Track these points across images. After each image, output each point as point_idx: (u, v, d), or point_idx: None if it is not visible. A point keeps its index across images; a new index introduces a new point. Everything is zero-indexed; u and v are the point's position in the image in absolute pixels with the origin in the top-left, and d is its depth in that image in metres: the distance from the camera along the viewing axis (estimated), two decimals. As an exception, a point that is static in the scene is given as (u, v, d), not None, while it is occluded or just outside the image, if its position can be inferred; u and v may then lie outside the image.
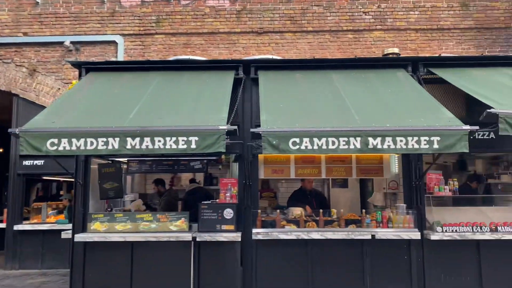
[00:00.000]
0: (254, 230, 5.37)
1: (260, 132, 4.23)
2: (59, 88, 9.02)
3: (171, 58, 7.00)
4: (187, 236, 5.32)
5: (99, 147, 4.27)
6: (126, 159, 6.36)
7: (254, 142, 4.90)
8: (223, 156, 6.45)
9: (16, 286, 7.30)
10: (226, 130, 4.28)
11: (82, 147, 4.27)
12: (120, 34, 9.05)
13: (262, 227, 5.49)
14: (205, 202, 5.70)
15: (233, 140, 4.98)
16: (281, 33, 9.05)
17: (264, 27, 9.06)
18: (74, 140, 4.27)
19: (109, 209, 6.35)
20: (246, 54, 8.95)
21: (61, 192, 11.19)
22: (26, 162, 9.07)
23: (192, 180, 8.95)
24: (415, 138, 4.17)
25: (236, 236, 5.30)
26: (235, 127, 4.42)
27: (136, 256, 5.45)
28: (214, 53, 9.05)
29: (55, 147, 4.28)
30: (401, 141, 4.16)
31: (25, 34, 9.15)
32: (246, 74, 5.74)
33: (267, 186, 8.58)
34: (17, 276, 8.12)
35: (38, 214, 9.65)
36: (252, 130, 4.38)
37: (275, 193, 8.50)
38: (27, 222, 9.13)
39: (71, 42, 8.98)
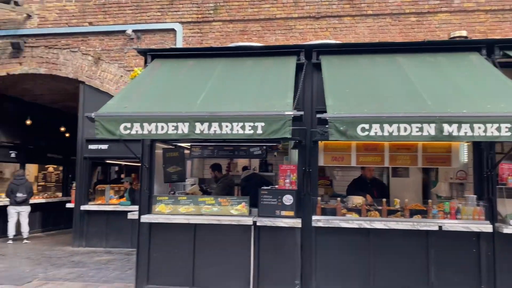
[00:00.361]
0: (314, 217, 5.33)
1: (327, 118, 4.16)
2: (122, 76, 9.39)
3: (230, 44, 7.03)
4: (248, 220, 5.38)
5: (169, 132, 4.40)
6: (189, 144, 6.52)
7: (319, 128, 4.83)
8: (281, 143, 6.44)
9: (86, 262, 7.78)
10: (292, 116, 4.26)
11: (153, 131, 4.42)
12: (179, 22, 9.23)
13: (322, 214, 5.44)
14: (265, 187, 5.73)
15: (294, 126, 4.94)
16: (339, 17, 8.83)
17: (322, 11, 8.87)
18: (145, 125, 4.43)
19: (172, 192, 6.56)
20: (303, 40, 8.83)
21: (122, 176, 11.71)
22: (92, 146, 9.57)
23: (245, 168, 9.05)
24: (495, 125, 3.91)
25: (296, 222, 5.29)
26: (301, 112, 4.38)
27: (198, 237, 5.59)
28: (271, 39, 9.00)
29: (128, 131, 4.47)
30: (479, 128, 3.93)
31: (90, 23, 9.58)
32: (307, 59, 5.65)
33: (322, 174, 8.48)
34: (84, 253, 8.66)
35: (101, 196, 10.20)
36: (318, 115, 4.31)
37: (330, 181, 8.39)
38: (92, 203, 9.67)
39: (133, 31, 9.29)
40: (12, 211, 10.09)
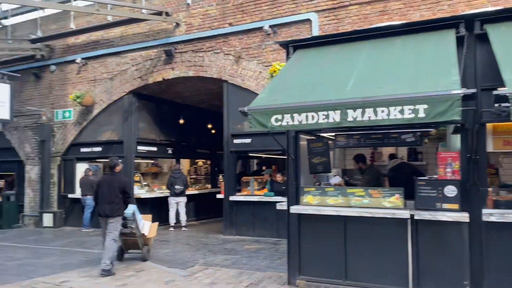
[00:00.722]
0: (485, 211, 4.66)
1: (507, 94, 3.53)
2: (261, 72, 9.66)
3: (376, 25, 6.59)
4: (404, 214, 4.98)
5: (320, 121, 4.28)
6: (333, 134, 6.34)
7: (494, 108, 4.15)
8: (438, 127, 5.80)
9: (237, 250, 8.24)
10: (462, 95, 3.73)
11: (304, 122, 4.36)
12: (314, 11, 9.10)
13: (494, 207, 4.73)
14: (422, 178, 5.25)
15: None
16: (500, -20, 7.61)
17: (476, -24, 7.77)
18: (295, 115, 4.39)
19: (317, 183, 6.48)
20: (453, 12, 7.85)
21: (264, 168, 12.14)
22: (236, 141, 10.10)
23: (392, 156, 8.48)
24: None
25: (463, 216, 4.69)
26: (473, 90, 3.81)
27: (348, 230, 5.38)
28: (415, 16, 8.23)
29: (279, 123, 4.49)
30: None
31: (230, 24, 10.08)
32: (468, 31, 4.94)
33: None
34: (235, 242, 9.19)
35: (245, 187, 10.72)
36: (496, 92, 3.67)
37: (496, 169, 7.31)
38: (239, 194, 10.22)
39: (269, 26, 9.48)
40: (172, 201, 11.32)
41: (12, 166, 13.52)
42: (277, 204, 6.27)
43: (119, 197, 6.60)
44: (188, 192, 11.85)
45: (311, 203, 5.63)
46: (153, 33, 11.13)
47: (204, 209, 13.50)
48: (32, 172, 12.95)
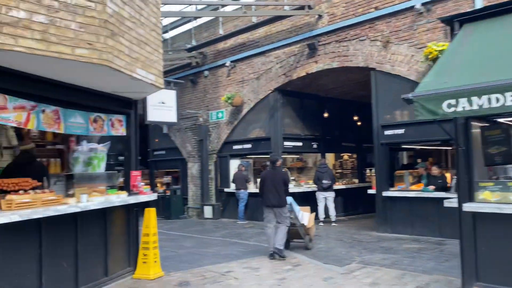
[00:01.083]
0: None
1: None
2: (413, 55, 8.85)
3: None
4: None
5: (507, 103, 3.59)
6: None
7: None
8: None
9: (396, 249, 7.69)
10: None
11: (486, 106, 3.72)
12: (477, -21, 7.93)
13: None
14: None
15: None
16: None
17: None
18: (474, 99, 3.78)
19: (495, 177, 5.58)
20: None
21: (419, 160, 11.18)
22: (387, 132, 9.48)
23: None
24: None
25: None
26: None
27: (541, 232, 4.50)
28: None
29: (452, 109, 3.93)
30: None
31: (376, 8, 9.48)
32: None
33: None
34: (391, 240, 8.62)
35: (398, 182, 10.00)
36: None
37: None
38: (393, 189, 9.57)
39: (422, 4, 8.61)
40: (320, 196, 11.24)
41: (177, 163, 15.21)
42: (445, 201, 5.57)
43: (282, 188, 7.19)
44: (335, 186, 11.62)
45: (489, 200, 4.87)
46: (295, 29, 11.18)
47: (352, 204, 13.11)
48: (193, 168, 14.36)
